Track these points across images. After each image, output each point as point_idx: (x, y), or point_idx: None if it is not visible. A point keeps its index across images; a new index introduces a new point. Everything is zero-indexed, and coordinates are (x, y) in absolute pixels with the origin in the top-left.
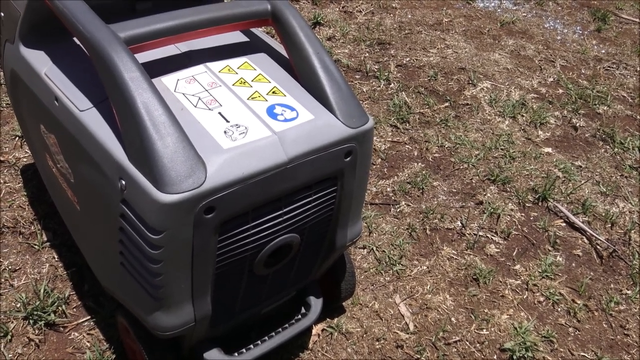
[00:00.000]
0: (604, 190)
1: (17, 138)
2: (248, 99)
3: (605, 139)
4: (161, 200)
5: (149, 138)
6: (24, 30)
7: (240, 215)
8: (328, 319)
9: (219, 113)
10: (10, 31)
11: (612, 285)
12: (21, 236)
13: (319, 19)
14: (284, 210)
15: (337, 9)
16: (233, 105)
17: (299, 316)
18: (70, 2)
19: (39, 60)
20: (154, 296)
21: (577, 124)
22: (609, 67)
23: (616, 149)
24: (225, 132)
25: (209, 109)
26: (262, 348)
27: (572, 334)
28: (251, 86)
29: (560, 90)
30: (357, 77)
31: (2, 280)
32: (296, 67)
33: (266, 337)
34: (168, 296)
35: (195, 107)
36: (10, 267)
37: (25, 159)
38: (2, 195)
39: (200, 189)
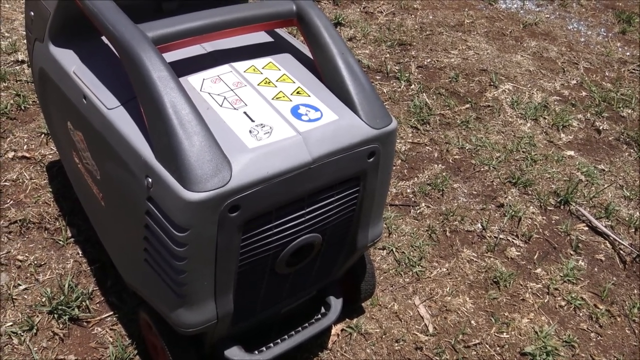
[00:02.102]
0: (628, 194)
1: (43, 135)
2: (273, 99)
3: (629, 143)
4: (187, 198)
5: (176, 137)
6: (54, 30)
7: (264, 214)
8: (347, 319)
9: (244, 112)
10: (40, 30)
11: (635, 291)
12: (46, 232)
13: (340, 19)
14: (307, 210)
15: (358, 10)
16: (258, 105)
17: (319, 316)
18: (99, 2)
19: (68, 59)
20: (178, 293)
21: (601, 127)
22: (633, 69)
23: None
24: (250, 131)
25: (234, 109)
26: (282, 347)
27: (594, 340)
28: (276, 86)
29: (584, 93)
30: (377, 77)
31: (28, 274)
32: (320, 67)
33: (286, 336)
34: (191, 293)
35: (221, 106)
36: (35, 262)
37: (50, 156)
38: (28, 191)
39: (225, 188)
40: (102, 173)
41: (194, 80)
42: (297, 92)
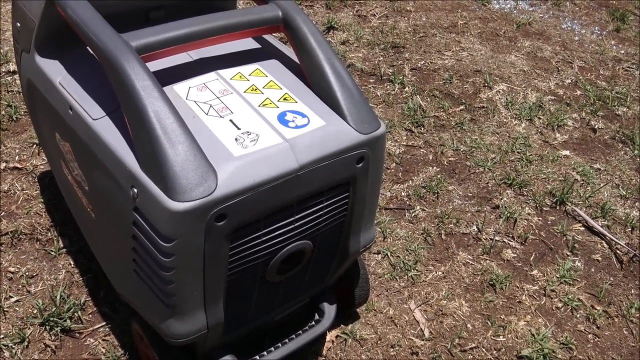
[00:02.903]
0: (624, 193)
1: (35, 146)
2: (259, 106)
3: (625, 141)
4: (172, 208)
5: (160, 146)
6: (39, 40)
7: (252, 222)
8: (342, 325)
9: (230, 120)
10: (26, 41)
11: (632, 291)
12: (38, 243)
13: (332, 23)
14: (296, 217)
15: (351, 13)
16: (244, 112)
17: (313, 323)
18: (83, 12)
19: (54, 70)
20: (167, 303)
21: (596, 126)
22: (628, 67)
23: (636, 151)
24: (236, 139)
25: (220, 117)
26: (276, 355)
27: (592, 341)
28: (262, 93)
29: (578, 92)
30: (371, 81)
31: (20, 286)
32: (307, 73)
33: (280, 344)
34: (180, 303)
35: (207, 114)
36: (27, 274)
37: (42, 166)
38: (19, 202)
39: (211, 197)
40: (90, 184)
41: (179, 89)
42: (284, 99)
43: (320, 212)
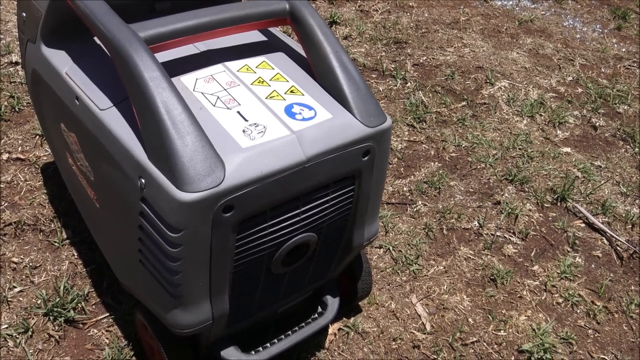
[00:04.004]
0: (624, 190)
1: (37, 137)
2: (266, 98)
3: (626, 139)
4: (180, 198)
5: (168, 137)
6: (46, 30)
7: (258, 214)
8: (344, 319)
9: (238, 112)
10: (32, 31)
11: (632, 287)
12: (41, 234)
13: (335, 18)
14: (302, 209)
15: (354, 8)
16: (251, 104)
17: (316, 315)
18: (91, 2)
19: (60, 60)
20: (172, 294)
21: (597, 124)
22: (629, 65)
23: (637, 149)
24: (243, 131)
25: (228, 108)
26: (279, 347)
27: (592, 336)
28: (269, 85)
29: (580, 89)
30: (373, 76)
31: (23, 277)
32: (314, 66)
33: (283, 336)
34: (186, 294)
35: (214, 106)
36: (31, 264)
37: (45, 157)
38: (22, 193)
39: (218, 188)
40: (95, 174)
41: (187, 80)
42: (291, 91)
43: (326, 205)
